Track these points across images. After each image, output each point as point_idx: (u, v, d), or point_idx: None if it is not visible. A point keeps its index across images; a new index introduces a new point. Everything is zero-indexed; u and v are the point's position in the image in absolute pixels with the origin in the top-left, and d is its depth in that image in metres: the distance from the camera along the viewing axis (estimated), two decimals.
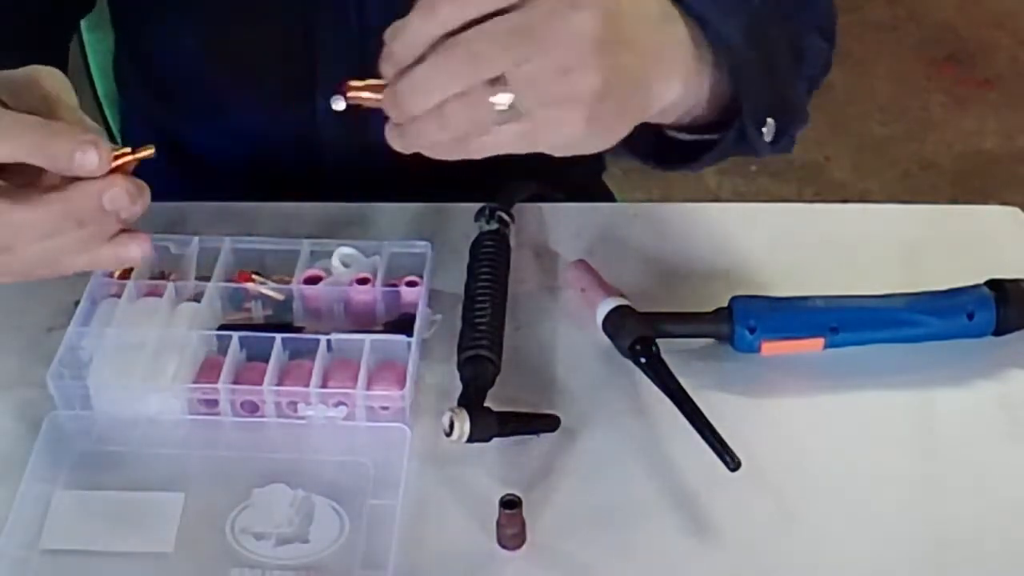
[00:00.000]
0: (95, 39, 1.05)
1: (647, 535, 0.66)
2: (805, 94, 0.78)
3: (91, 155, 0.61)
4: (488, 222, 0.80)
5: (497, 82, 0.59)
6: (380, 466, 0.67)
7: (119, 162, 0.63)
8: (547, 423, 0.70)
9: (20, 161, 0.62)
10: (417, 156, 0.62)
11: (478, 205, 0.81)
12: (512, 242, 0.80)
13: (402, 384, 0.70)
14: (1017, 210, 0.86)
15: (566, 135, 0.61)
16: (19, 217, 0.62)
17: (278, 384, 0.70)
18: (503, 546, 0.65)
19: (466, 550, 0.65)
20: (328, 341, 0.71)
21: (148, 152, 0.64)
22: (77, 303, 0.73)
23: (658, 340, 0.72)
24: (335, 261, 0.77)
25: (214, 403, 0.70)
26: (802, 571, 0.65)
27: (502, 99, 0.59)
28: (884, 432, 0.71)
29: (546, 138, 0.61)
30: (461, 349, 0.72)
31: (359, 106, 0.62)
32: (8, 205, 0.62)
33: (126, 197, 0.63)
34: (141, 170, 0.64)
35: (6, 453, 0.69)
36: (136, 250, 0.65)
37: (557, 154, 0.62)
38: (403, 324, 0.73)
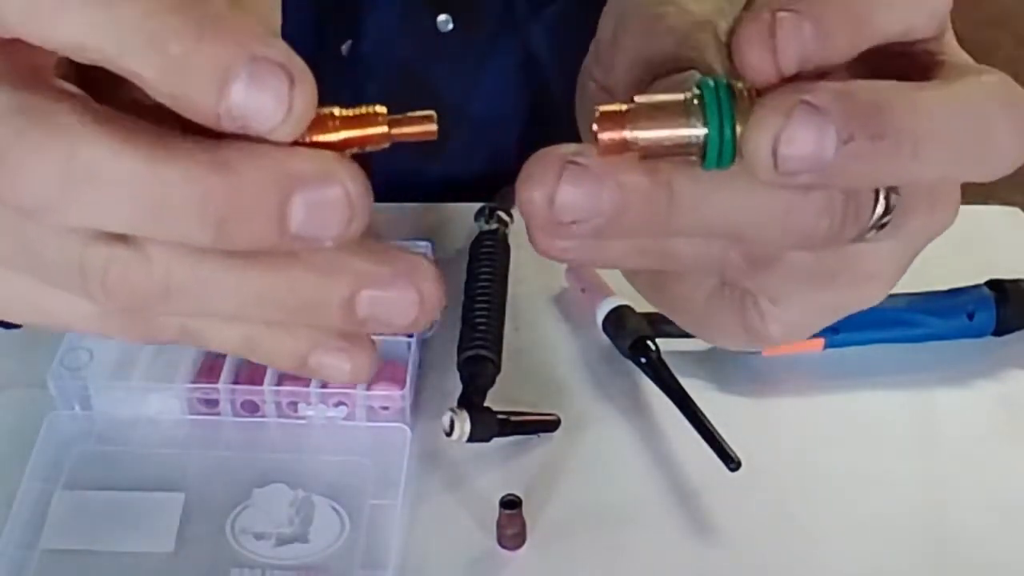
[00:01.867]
0: None
1: (647, 535, 0.66)
2: None
3: (278, 85, 0.28)
4: (488, 222, 0.80)
5: None
6: (380, 466, 0.67)
7: (354, 132, 0.31)
8: (547, 423, 0.70)
9: (98, 58, 0.29)
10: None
11: (478, 205, 0.81)
12: (512, 242, 0.80)
13: (402, 384, 0.70)
14: (1017, 210, 0.86)
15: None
16: (105, 154, 0.29)
17: (278, 384, 0.70)
18: (503, 546, 0.65)
19: (466, 550, 0.65)
20: None
21: (427, 126, 0.31)
22: None
23: (658, 340, 0.72)
24: None
25: (214, 403, 0.70)
26: (802, 571, 0.65)
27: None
28: (884, 432, 0.71)
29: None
30: (461, 349, 0.72)
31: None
32: (92, 129, 0.29)
33: (344, 209, 0.30)
34: None
35: (6, 453, 0.69)
36: (346, 367, 0.33)
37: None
38: None
